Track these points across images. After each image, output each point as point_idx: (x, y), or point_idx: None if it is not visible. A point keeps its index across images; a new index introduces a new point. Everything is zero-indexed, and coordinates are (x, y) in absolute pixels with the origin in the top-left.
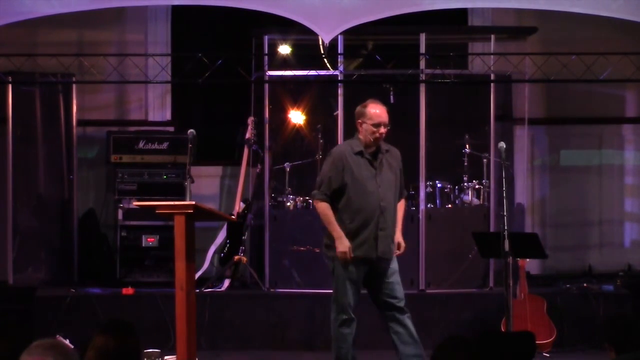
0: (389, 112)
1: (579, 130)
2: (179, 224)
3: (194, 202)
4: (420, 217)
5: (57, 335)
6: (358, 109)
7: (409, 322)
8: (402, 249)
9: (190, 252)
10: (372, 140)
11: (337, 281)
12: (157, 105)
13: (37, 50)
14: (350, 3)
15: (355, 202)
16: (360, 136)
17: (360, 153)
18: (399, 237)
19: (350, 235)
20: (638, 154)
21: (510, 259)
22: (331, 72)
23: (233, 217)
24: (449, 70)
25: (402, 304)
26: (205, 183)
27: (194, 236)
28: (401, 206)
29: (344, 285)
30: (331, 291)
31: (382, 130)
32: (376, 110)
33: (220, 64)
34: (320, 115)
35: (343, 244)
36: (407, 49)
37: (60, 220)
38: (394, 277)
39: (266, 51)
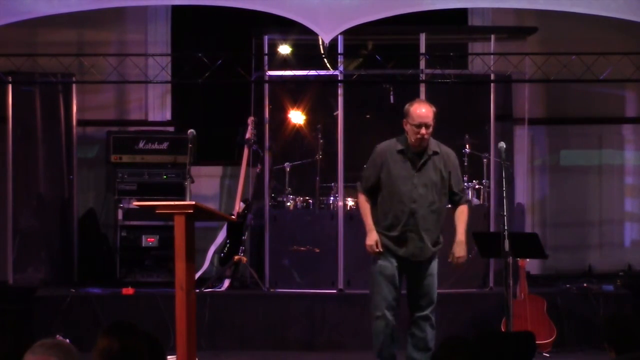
0: (389, 112)
1: (579, 130)
2: (179, 224)
3: (194, 202)
4: None
5: (57, 335)
6: (405, 107)
7: (428, 330)
8: (455, 259)
9: (190, 252)
10: (414, 140)
11: (370, 277)
12: (157, 105)
13: (37, 50)
14: (350, 3)
15: (387, 200)
16: (407, 135)
17: (402, 152)
18: (457, 245)
19: (385, 231)
20: (638, 154)
21: (510, 259)
22: (331, 72)
23: (233, 217)
24: (449, 70)
25: (426, 311)
26: (205, 183)
27: (194, 236)
28: (462, 213)
29: (375, 280)
30: (331, 291)
31: (424, 131)
32: (419, 111)
33: (220, 64)
34: (320, 115)
35: (370, 237)
36: (407, 49)
37: (60, 220)
38: (427, 281)
39: (266, 51)
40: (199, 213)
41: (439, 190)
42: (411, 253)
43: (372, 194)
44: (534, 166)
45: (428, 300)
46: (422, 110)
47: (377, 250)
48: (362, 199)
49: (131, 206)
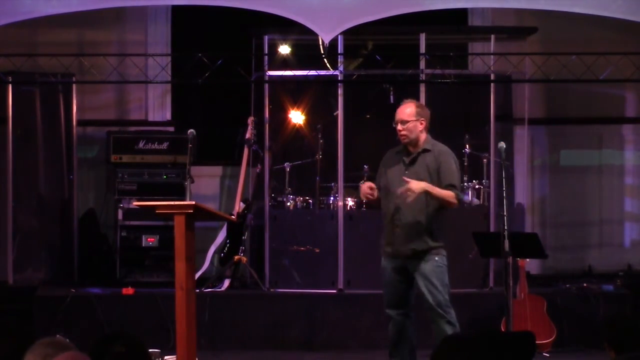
0: (389, 112)
1: (579, 130)
2: (179, 224)
3: (194, 202)
4: None
5: (57, 335)
6: None
7: (443, 326)
8: (408, 186)
9: (190, 252)
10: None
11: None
12: (157, 105)
13: (37, 50)
14: (350, 3)
15: (383, 200)
16: None
17: (399, 152)
18: (420, 183)
19: (384, 231)
20: (638, 154)
21: (510, 259)
22: (331, 72)
23: (233, 217)
24: (449, 70)
25: (435, 308)
26: (205, 183)
27: (194, 236)
28: (448, 192)
29: (383, 280)
30: (331, 291)
31: (399, 127)
32: (397, 110)
33: (220, 64)
34: (320, 115)
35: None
36: (407, 49)
37: (60, 220)
38: (420, 282)
39: (266, 51)
40: (199, 213)
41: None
42: (397, 250)
43: None
44: (534, 166)
45: (429, 299)
46: (399, 109)
47: (367, 194)
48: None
49: (131, 206)
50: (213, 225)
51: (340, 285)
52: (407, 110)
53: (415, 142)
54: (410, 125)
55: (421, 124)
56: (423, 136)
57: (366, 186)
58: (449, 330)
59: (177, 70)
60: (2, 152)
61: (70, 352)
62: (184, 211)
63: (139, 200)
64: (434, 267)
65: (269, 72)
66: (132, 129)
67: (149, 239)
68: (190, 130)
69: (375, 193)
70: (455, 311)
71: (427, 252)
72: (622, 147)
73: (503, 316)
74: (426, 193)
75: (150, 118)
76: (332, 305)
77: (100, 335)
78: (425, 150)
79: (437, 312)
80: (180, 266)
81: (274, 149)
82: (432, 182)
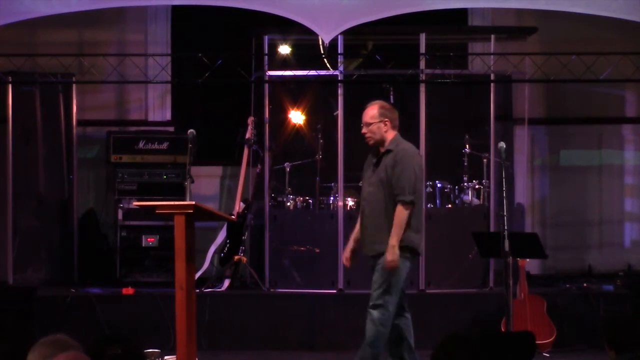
0: None
1: (579, 130)
2: (179, 224)
3: (194, 202)
4: None
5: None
6: None
7: (368, 324)
8: (385, 263)
9: (190, 252)
10: None
11: None
12: (157, 105)
13: (37, 50)
14: (350, 3)
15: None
16: None
17: (372, 153)
18: (387, 250)
19: None
20: (638, 154)
21: (510, 259)
22: (331, 72)
23: (233, 217)
24: (449, 70)
25: (371, 303)
26: (205, 183)
27: (194, 236)
28: (396, 215)
29: None
30: (331, 291)
31: (364, 130)
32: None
33: (220, 64)
34: (320, 115)
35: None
36: (407, 49)
37: (60, 220)
38: (374, 277)
39: (266, 51)
40: (199, 213)
41: (383, 186)
42: (365, 248)
43: None
44: (534, 166)
45: (373, 292)
46: (364, 112)
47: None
48: None
49: (131, 206)
50: (213, 225)
51: (340, 285)
52: (370, 113)
53: (381, 143)
54: (373, 127)
55: (385, 124)
56: (389, 136)
57: (345, 260)
58: (369, 329)
59: (177, 70)
60: (2, 152)
61: (70, 352)
62: (184, 211)
63: (139, 200)
64: (382, 266)
65: (269, 72)
66: (132, 129)
67: (149, 239)
68: (190, 130)
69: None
70: (455, 311)
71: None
72: (622, 147)
73: (503, 316)
74: (396, 238)
75: (150, 118)
76: (332, 305)
77: (96, 338)
78: (388, 151)
79: (371, 305)
80: (180, 266)
81: (274, 149)
82: (387, 182)
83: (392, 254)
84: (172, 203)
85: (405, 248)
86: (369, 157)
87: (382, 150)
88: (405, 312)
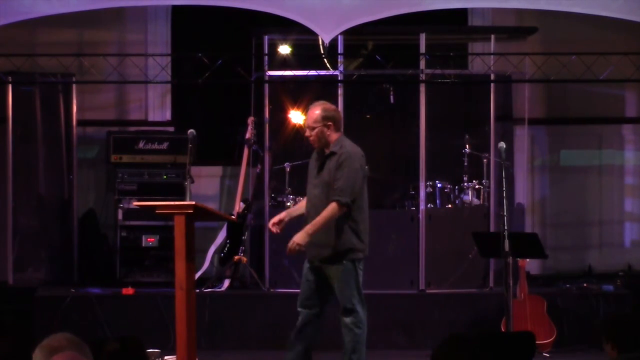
0: (389, 112)
1: (579, 130)
2: (179, 224)
3: (193, 202)
4: (421, 217)
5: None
6: None
7: (345, 333)
8: (290, 246)
9: (190, 252)
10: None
11: None
12: (157, 105)
13: (37, 50)
14: (350, 3)
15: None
16: None
17: (316, 154)
18: (299, 232)
19: None
20: (638, 154)
21: (510, 259)
22: (331, 72)
23: (233, 217)
24: (449, 70)
25: (342, 315)
26: (205, 183)
27: (194, 236)
28: (325, 209)
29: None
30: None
31: (307, 133)
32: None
33: (220, 64)
34: None
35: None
36: (407, 49)
37: (60, 220)
38: (335, 286)
39: (266, 51)
40: (199, 213)
41: (326, 189)
42: (310, 254)
43: None
44: (534, 166)
45: (341, 304)
46: (307, 114)
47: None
48: None
49: (131, 206)
50: (213, 225)
51: None
52: (314, 116)
53: (326, 145)
54: (317, 130)
55: (329, 127)
56: (333, 137)
57: (270, 223)
58: (347, 336)
59: (177, 70)
60: (2, 152)
61: (66, 352)
62: (184, 211)
63: (139, 200)
64: (341, 272)
65: (269, 72)
66: (132, 129)
67: (149, 239)
68: (190, 130)
69: (279, 228)
70: (455, 311)
71: (334, 257)
72: (622, 147)
73: (503, 316)
74: (313, 229)
75: (150, 118)
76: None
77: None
78: (332, 154)
79: (348, 314)
80: (180, 266)
81: (274, 149)
82: (331, 185)
83: (300, 238)
84: (172, 203)
85: (348, 251)
86: (312, 158)
87: (327, 152)
88: (323, 312)
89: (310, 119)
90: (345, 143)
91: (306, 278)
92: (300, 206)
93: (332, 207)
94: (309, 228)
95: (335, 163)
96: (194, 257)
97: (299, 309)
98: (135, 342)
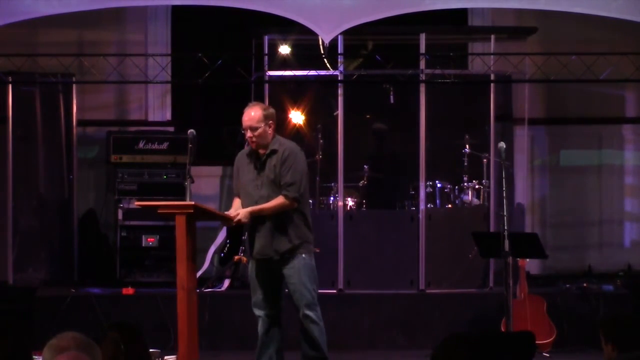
0: (389, 112)
1: (579, 130)
2: (180, 224)
3: (193, 202)
4: (420, 217)
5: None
6: None
7: (310, 327)
8: (235, 216)
9: (191, 251)
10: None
11: None
12: (157, 105)
13: (37, 50)
14: (350, 3)
15: (243, 204)
16: None
17: (249, 155)
18: (244, 211)
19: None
20: (638, 154)
21: (510, 259)
22: (331, 72)
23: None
24: (449, 70)
25: (302, 310)
26: (205, 183)
27: (195, 236)
28: (276, 199)
29: (250, 282)
30: (331, 291)
31: (249, 134)
32: (243, 116)
33: (220, 64)
34: (320, 115)
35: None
36: (407, 49)
37: (60, 220)
38: (291, 281)
39: (266, 51)
40: (199, 213)
41: (275, 186)
42: (258, 251)
43: None
44: (534, 166)
45: (298, 299)
46: (244, 115)
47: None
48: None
49: (131, 206)
50: (213, 225)
51: (340, 285)
52: (255, 117)
53: (265, 145)
54: (260, 131)
55: (270, 126)
56: (271, 136)
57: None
58: (314, 330)
59: (177, 70)
60: (2, 152)
61: (71, 352)
62: (184, 211)
63: (139, 200)
64: (301, 266)
65: (269, 72)
66: (132, 129)
67: (149, 239)
68: (190, 130)
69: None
70: (455, 311)
71: (293, 250)
72: (622, 147)
73: (503, 316)
74: (258, 212)
75: (150, 118)
76: (332, 305)
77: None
78: (272, 152)
79: (309, 308)
80: (181, 266)
81: None
82: (277, 181)
83: (242, 214)
84: (173, 203)
85: (305, 244)
86: (244, 158)
87: (265, 151)
88: (280, 312)
89: (253, 119)
90: (283, 140)
91: (257, 278)
92: (235, 209)
93: (281, 199)
94: (253, 208)
95: (279, 160)
96: (195, 257)
97: (257, 313)
98: (133, 330)
